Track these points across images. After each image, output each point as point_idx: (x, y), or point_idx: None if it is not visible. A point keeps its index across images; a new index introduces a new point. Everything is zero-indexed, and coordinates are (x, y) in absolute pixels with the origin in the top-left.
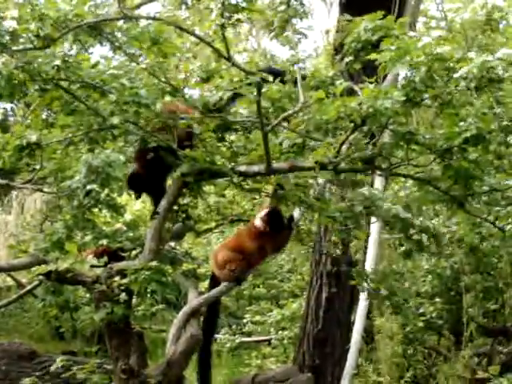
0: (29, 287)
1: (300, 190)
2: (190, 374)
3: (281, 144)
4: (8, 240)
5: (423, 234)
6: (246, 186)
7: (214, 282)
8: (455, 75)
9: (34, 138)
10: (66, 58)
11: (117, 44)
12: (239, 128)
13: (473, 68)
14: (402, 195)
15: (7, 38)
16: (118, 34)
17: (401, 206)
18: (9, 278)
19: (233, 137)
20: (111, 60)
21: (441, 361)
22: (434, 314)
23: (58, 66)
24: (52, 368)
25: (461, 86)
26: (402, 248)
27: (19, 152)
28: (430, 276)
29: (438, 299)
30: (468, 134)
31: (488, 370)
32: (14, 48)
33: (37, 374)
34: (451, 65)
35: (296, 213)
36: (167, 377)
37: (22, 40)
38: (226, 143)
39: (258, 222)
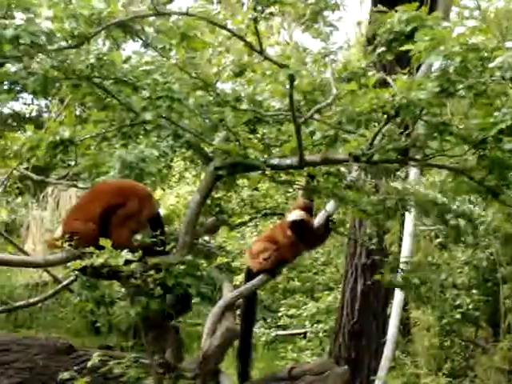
0: (65, 282)
1: (331, 182)
2: (226, 368)
3: (312, 135)
4: (44, 235)
5: (460, 219)
6: (279, 179)
7: (249, 275)
8: (490, 65)
9: (67, 134)
10: (100, 56)
11: (147, 40)
12: (271, 121)
13: (508, 57)
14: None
15: (43, 38)
16: (149, 30)
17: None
18: (45, 274)
19: (265, 130)
20: (143, 56)
21: (478, 353)
22: (470, 306)
23: (92, 64)
24: (89, 363)
25: (495, 75)
26: (438, 239)
27: (53, 149)
28: (466, 267)
29: (474, 291)
30: (503, 125)
31: None
32: (50, 47)
33: (74, 368)
34: (486, 55)
35: (330, 205)
36: (203, 370)
37: (56, 39)
38: (258, 135)
39: (286, 224)
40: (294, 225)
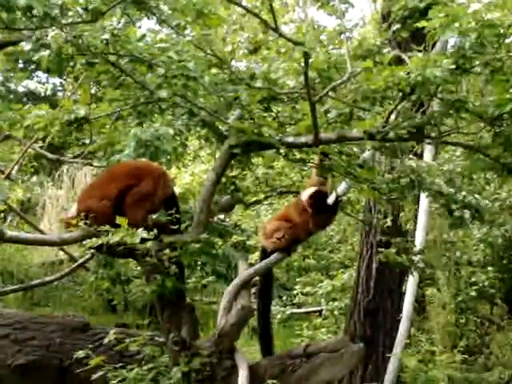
0: (81, 261)
1: (345, 160)
2: (242, 345)
3: (327, 114)
4: (59, 214)
5: (465, 210)
6: (294, 157)
7: (264, 255)
8: (506, 41)
9: (82, 112)
10: (115, 32)
11: (162, 17)
12: (285, 99)
13: None
14: (446, 168)
15: (56, 11)
16: (164, 7)
17: (445, 179)
18: (61, 252)
19: (279, 108)
20: (158, 33)
21: (493, 330)
22: (486, 283)
23: (107, 39)
24: (105, 340)
25: None
26: (448, 220)
27: (67, 127)
28: (481, 245)
29: (490, 268)
30: None
31: None
32: (63, 22)
33: (90, 346)
34: (502, 31)
35: (343, 185)
36: (219, 348)
37: (70, 13)
38: (273, 114)
39: (304, 199)
40: (315, 196)
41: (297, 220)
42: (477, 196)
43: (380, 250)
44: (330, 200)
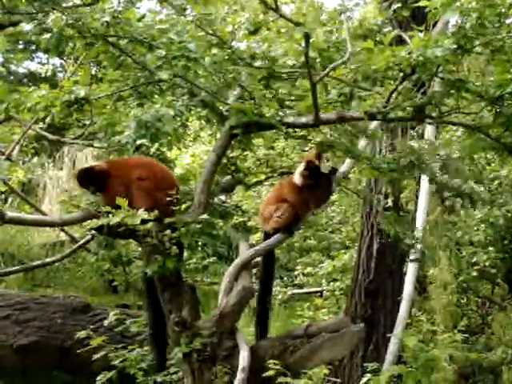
0: (82, 241)
1: (347, 138)
2: (243, 326)
3: (327, 93)
4: (60, 195)
5: (458, 199)
6: (294, 134)
7: (266, 238)
8: (507, 21)
9: (82, 93)
10: (115, 14)
11: None
12: (285, 77)
13: None
14: (442, 154)
15: None
16: None
17: (440, 164)
18: (62, 233)
19: (279, 85)
20: (157, 14)
21: (495, 310)
22: (487, 263)
23: (107, 22)
24: (106, 321)
25: None
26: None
27: (68, 107)
28: (483, 225)
29: (491, 248)
30: None
31: None
32: (64, 5)
33: (91, 326)
34: (503, 10)
35: (346, 165)
36: (220, 328)
37: None
38: (273, 91)
39: (297, 178)
40: (309, 166)
41: (293, 200)
42: (471, 183)
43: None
44: (325, 169)
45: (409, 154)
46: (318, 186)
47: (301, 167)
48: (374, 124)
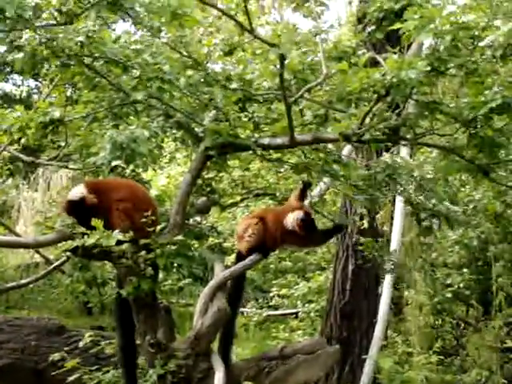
0: (56, 263)
1: (322, 158)
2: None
3: (302, 115)
4: (35, 217)
5: (434, 220)
6: (270, 157)
7: (239, 258)
8: (480, 44)
9: (57, 114)
10: (90, 34)
11: (137, 19)
12: (261, 100)
13: (498, 36)
14: (416, 175)
15: (30, 13)
16: (139, 9)
17: (415, 185)
18: (36, 255)
19: (254, 109)
20: (132, 35)
21: (469, 331)
22: (461, 285)
23: (81, 42)
24: (80, 343)
25: (486, 54)
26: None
27: (43, 129)
28: (457, 246)
29: (465, 270)
30: (493, 104)
31: None
32: (37, 24)
33: (66, 348)
34: (476, 33)
35: (322, 185)
36: (195, 350)
37: (44, 16)
38: (248, 114)
39: (289, 222)
40: (304, 222)
41: (269, 224)
42: (447, 203)
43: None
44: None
45: (385, 169)
46: (312, 234)
47: (297, 215)
48: (346, 149)
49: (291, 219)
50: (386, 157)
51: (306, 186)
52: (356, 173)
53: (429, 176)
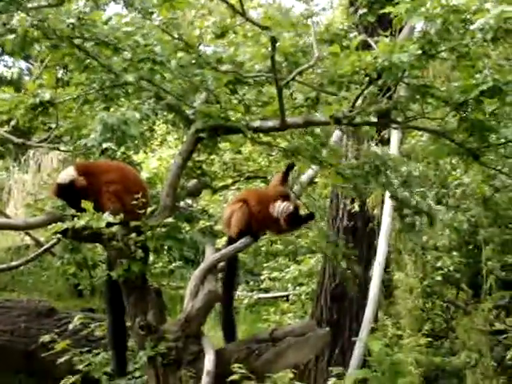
0: (47, 245)
1: (311, 144)
2: (208, 330)
3: (293, 98)
4: (25, 199)
5: (417, 217)
6: (260, 140)
7: (230, 242)
8: (471, 27)
9: (47, 95)
10: (81, 16)
11: (129, 1)
12: (252, 82)
13: (489, 19)
14: (404, 170)
15: None
16: None
17: (401, 181)
18: (27, 237)
19: (245, 91)
20: (123, 16)
21: (459, 314)
22: (451, 268)
23: (72, 23)
24: (71, 325)
25: (477, 37)
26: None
27: (33, 110)
28: (447, 230)
29: (455, 253)
30: (484, 87)
31: (506, 323)
32: (29, 5)
33: (56, 330)
34: (467, 16)
35: (310, 171)
36: (185, 332)
37: None
38: (239, 96)
39: (276, 211)
40: (292, 216)
41: (253, 209)
42: (430, 201)
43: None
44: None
45: (374, 160)
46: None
47: (286, 206)
48: (335, 135)
49: (279, 209)
50: (375, 148)
51: (289, 169)
52: (344, 162)
53: (415, 172)
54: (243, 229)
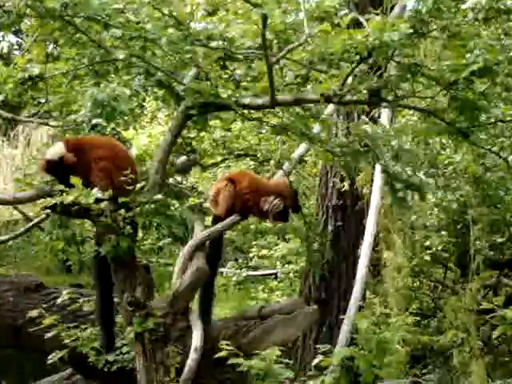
0: (35, 220)
1: (302, 119)
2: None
3: (283, 74)
4: (14, 174)
5: (408, 191)
6: (250, 116)
7: (215, 221)
8: (463, 6)
9: (36, 70)
10: None
11: None
12: (242, 58)
13: None
14: (394, 144)
15: None
16: None
17: (392, 154)
18: (16, 212)
19: (235, 66)
20: None
21: (447, 293)
22: (440, 247)
23: (65, 3)
24: (59, 300)
25: (469, 17)
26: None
27: (22, 85)
28: (436, 209)
29: (444, 232)
30: (475, 67)
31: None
32: None
33: (44, 305)
34: None
35: (302, 147)
36: (173, 309)
37: None
38: (229, 71)
39: (266, 206)
40: (279, 215)
41: (243, 190)
42: (421, 175)
43: None
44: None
45: (363, 138)
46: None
47: (277, 204)
48: (328, 109)
49: (271, 204)
50: (365, 125)
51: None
52: (334, 139)
53: (406, 146)
54: (230, 208)
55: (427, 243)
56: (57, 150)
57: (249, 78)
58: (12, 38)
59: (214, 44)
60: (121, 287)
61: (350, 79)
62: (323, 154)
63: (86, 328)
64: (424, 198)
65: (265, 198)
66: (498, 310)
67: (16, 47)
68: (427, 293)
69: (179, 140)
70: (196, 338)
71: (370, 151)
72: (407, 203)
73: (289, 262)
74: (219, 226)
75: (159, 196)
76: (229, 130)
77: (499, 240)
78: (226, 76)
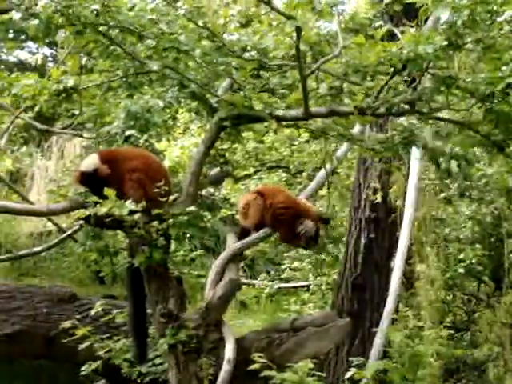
0: (69, 232)
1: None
2: (229, 318)
3: (317, 87)
4: (48, 185)
5: (452, 161)
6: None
7: (243, 233)
8: (499, 19)
9: (71, 82)
10: (105, 3)
11: None
12: (275, 68)
13: None
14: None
15: None
16: None
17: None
18: (49, 223)
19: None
20: (148, 3)
21: (481, 307)
22: (474, 260)
23: (97, 10)
24: (92, 312)
25: (504, 29)
26: (443, 194)
27: (56, 96)
28: (470, 222)
29: (478, 245)
30: (510, 80)
31: None
32: None
33: (77, 316)
34: (494, 8)
35: (343, 148)
36: (206, 321)
37: None
38: (263, 80)
39: (300, 228)
40: (310, 239)
41: (274, 205)
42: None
43: None
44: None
45: (402, 132)
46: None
47: (311, 229)
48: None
49: (306, 227)
50: (401, 119)
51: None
52: (373, 136)
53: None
54: (259, 221)
55: (461, 256)
56: (91, 161)
57: (283, 89)
58: (46, 50)
59: (247, 55)
60: (154, 299)
61: (384, 91)
62: (363, 150)
63: (118, 339)
64: (473, 164)
65: (302, 221)
66: None
67: (50, 59)
68: (461, 306)
69: (212, 151)
70: (229, 350)
71: (409, 143)
72: (452, 174)
73: (321, 274)
74: (252, 237)
75: (192, 208)
76: (261, 141)
77: None
78: (260, 85)
